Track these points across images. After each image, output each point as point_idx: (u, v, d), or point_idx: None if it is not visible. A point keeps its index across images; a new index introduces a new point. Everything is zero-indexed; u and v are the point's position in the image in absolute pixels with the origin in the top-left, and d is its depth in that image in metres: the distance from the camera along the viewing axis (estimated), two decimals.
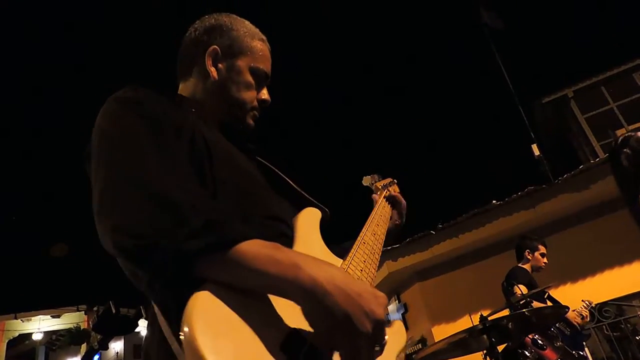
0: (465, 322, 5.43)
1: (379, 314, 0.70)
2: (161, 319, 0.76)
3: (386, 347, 0.90)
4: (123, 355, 16.50)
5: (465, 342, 2.63)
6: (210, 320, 0.63)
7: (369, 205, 1.35)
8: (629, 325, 5.45)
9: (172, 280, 0.70)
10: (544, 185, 6.36)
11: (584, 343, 3.72)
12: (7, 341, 14.81)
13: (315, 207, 1.07)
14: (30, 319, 15.47)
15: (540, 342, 3.10)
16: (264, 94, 1.15)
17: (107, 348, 1.18)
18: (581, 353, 3.45)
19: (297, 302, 0.70)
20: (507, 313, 2.76)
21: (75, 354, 16.20)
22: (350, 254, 0.98)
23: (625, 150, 1.68)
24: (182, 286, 0.69)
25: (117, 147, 0.82)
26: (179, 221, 0.70)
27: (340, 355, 0.70)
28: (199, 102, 1.09)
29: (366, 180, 1.51)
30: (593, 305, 3.98)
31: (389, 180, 1.56)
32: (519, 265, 3.95)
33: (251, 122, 1.13)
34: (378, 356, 0.75)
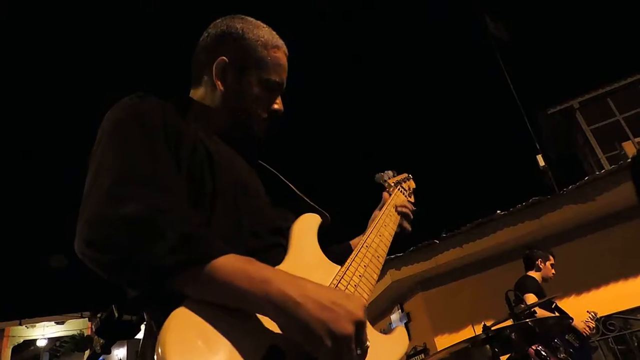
0: (468, 333, 5.38)
1: (358, 314, 0.69)
2: (155, 330, 0.77)
3: (387, 353, 0.90)
4: None
5: (467, 352, 2.61)
6: (184, 343, 0.62)
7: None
8: (634, 338, 5.38)
9: (148, 294, 0.71)
10: (548, 196, 6.33)
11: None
12: (12, 347, 14.83)
13: (316, 212, 1.06)
14: (35, 326, 15.50)
15: (543, 353, 3.07)
16: (277, 103, 1.12)
17: (109, 352, 1.18)
18: None
19: (271, 318, 0.70)
20: (511, 323, 2.75)
21: None
22: (349, 259, 0.97)
23: None
24: (162, 301, 0.69)
25: (108, 156, 0.82)
26: (154, 237, 0.69)
27: None
28: (206, 110, 1.07)
29: (378, 178, 1.46)
30: (598, 316, 3.96)
31: (404, 175, 1.51)
32: (528, 274, 3.94)
33: (259, 132, 1.10)
34: None
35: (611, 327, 5.16)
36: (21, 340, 15.22)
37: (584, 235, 6.24)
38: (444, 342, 6.39)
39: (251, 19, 1.14)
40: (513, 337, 2.57)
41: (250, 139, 1.10)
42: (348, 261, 0.96)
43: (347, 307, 0.69)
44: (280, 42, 1.13)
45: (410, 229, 1.32)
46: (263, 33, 1.11)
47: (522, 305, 3.17)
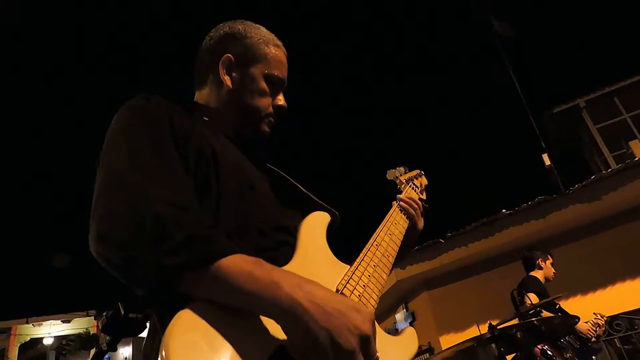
0: (473, 332, 5.37)
1: (365, 329, 0.69)
2: (160, 331, 0.76)
3: (396, 354, 0.89)
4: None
5: (473, 351, 2.60)
6: (189, 342, 0.62)
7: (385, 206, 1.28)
8: None
9: (155, 294, 0.70)
10: (554, 195, 6.30)
11: (594, 357, 3.67)
12: (19, 345, 14.93)
13: (325, 210, 1.05)
14: (42, 324, 15.58)
15: (549, 352, 3.06)
16: (280, 99, 1.14)
17: (115, 349, 1.19)
18: None
19: (277, 321, 0.69)
20: (517, 322, 2.74)
21: (84, 359, 16.28)
22: (358, 259, 0.96)
23: None
24: (167, 300, 0.69)
25: (116, 156, 0.83)
26: (161, 236, 0.69)
27: None
28: (212, 111, 1.09)
29: (390, 174, 1.43)
30: (605, 318, 3.94)
31: (415, 172, 1.50)
32: (531, 274, 3.93)
33: (266, 128, 1.12)
34: None
35: (617, 327, 5.14)
36: (28, 339, 15.30)
37: (590, 235, 6.22)
38: (448, 341, 6.38)
39: (251, 22, 1.18)
40: (519, 336, 2.56)
41: (257, 137, 1.12)
42: (357, 261, 0.95)
43: (353, 320, 0.68)
44: (280, 43, 1.17)
45: (421, 226, 1.28)
46: (264, 32, 1.16)
47: (528, 304, 3.17)
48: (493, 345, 2.52)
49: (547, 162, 8.81)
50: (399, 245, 1.13)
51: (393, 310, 8.13)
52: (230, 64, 1.10)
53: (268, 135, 1.13)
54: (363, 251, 0.99)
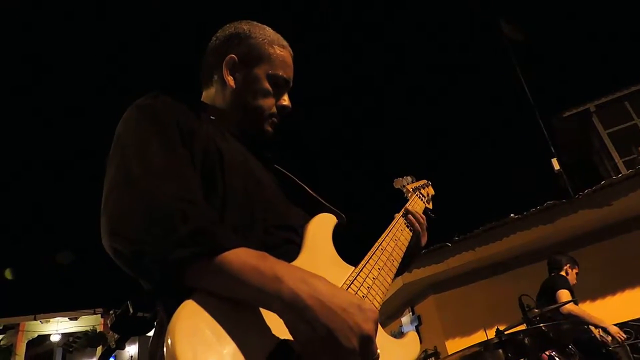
0: (480, 337, 5.34)
1: (366, 329, 0.68)
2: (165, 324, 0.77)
3: (397, 357, 0.89)
4: (137, 359, 16.62)
5: (479, 356, 2.60)
6: (193, 333, 0.63)
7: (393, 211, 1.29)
8: None
9: (162, 286, 0.71)
10: (563, 200, 6.26)
11: None
12: (27, 341, 15.06)
13: (332, 212, 1.06)
14: (49, 321, 15.71)
15: (557, 359, 3.04)
16: (284, 100, 1.15)
17: (123, 347, 1.20)
18: None
19: (279, 315, 0.69)
20: (524, 328, 2.72)
21: (91, 356, 16.38)
22: (363, 261, 0.96)
23: None
24: (174, 293, 0.69)
25: (126, 153, 0.84)
26: (169, 229, 0.71)
27: None
28: (218, 110, 1.10)
29: (397, 183, 1.45)
30: (613, 323, 3.91)
31: (422, 182, 1.51)
32: (559, 273, 3.90)
33: (269, 129, 1.13)
34: None
35: (627, 335, 5.08)
36: (35, 335, 15.43)
37: (599, 241, 6.17)
38: (455, 345, 6.36)
39: (257, 23, 1.18)
40: (526, 342, 2.55)
41: (260, 137, 1.12)
42: (362, 263, 0.96)
43: (356, 319, 0.68)
44: (286, 43, 1.18)
45: (424, 242, 1.27)
46: (269, 33, 1.16)
47: (562, 300, 3.12)
48: (500, 351, 2.51)
49: (557, 166, 8.74)
50: (404, 251, 1.13)
51: (399, 313, 8.11)
52: (234, 64, 1.10)
53: (271, 135, 1.13)
54: (368, 254, 1.00)
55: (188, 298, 0.67)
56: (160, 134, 0.87)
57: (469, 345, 2.58)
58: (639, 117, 10.41)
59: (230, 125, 1.07)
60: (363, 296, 0.87)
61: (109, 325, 1.14)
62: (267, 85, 1.11)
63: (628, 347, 5.06)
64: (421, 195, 1.43)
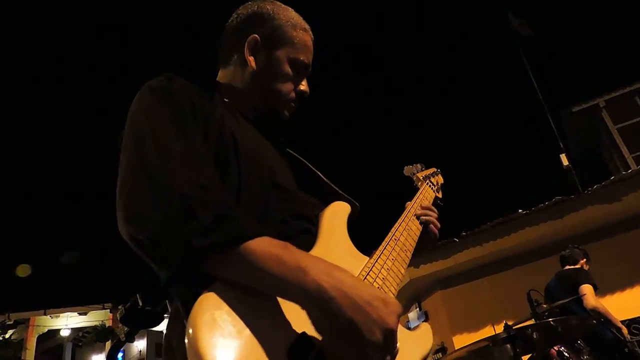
0: (487, 333, 5.32)
1: (389, 322, 0.67)
2: (183, 313, 0.75)
3: (411, 350, 0.89)
4: (146, 353, 16.76)
5: (487, 351, 2.58)
6: (214, 323, 0.62)
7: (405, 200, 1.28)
8: None
9: (181, 274, 0.69)
10: (572, 196, 6.22)
11: None
12: (37, 336, 15.24)
13: (345, 201, 1.04)
14: (59, 316, 15.88)
15: (566, 354, 3.02)
16: (303, 85, 1.13)
17: (133, 340, 1.20)
18: None
19: (302, 306, 0.68)
20: (533, 323, 2.71)
21: (100, 351, 16.57)
22: (377, 251, 0.95)
23: None
24: (193, 282, 0.68)
25: (140, 138, 0.82)
26: (188, 216, 0.69)
27: None
28: (234, 91, 1.08)
29: (407, 170, 1.44)
30: (622, 319, 3.89)
31: (432, 170, 1.49)
32: (576, 266, 3.87)
33: (287, 113, 1.11)
34: None
35: (635, 331, 5.05)
36: (45, 330, 15.60)
37: (608, 237, 6.11)
38: (462, 341, 6.33)
39: (280, 3, 1.15)
40: (535, 336, 2.53)
41: (277, 121, 1.10)
42: (377, 253, 0.95)
43: (380, 312, 0.67)
44: (308, 27, 1.14)
45: (436, 232, 1.24)
46: (292, 15, 1.13)
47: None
48: (508, 346, 2.49)
49: (565, 162, 8.68)
50: (416, 241, 1.11)
51: (406, 308, 8.10)
52: (256, 44, 1.07)
53: (288, 120, 1.11)
54: (382, 244, 0.98)
55: (208, 287, 0.66)
56: (176, 118, 0.86)
57: (476, 340, 2.56)
58: None
59: (244, 108, 1.05)
60: (379, 287, 0.86)
61: (119, 318, 1.15)
62: (288, 69, 1.09)
63: (636, 344, 5.04)
64: (431, 184, 1.41)
